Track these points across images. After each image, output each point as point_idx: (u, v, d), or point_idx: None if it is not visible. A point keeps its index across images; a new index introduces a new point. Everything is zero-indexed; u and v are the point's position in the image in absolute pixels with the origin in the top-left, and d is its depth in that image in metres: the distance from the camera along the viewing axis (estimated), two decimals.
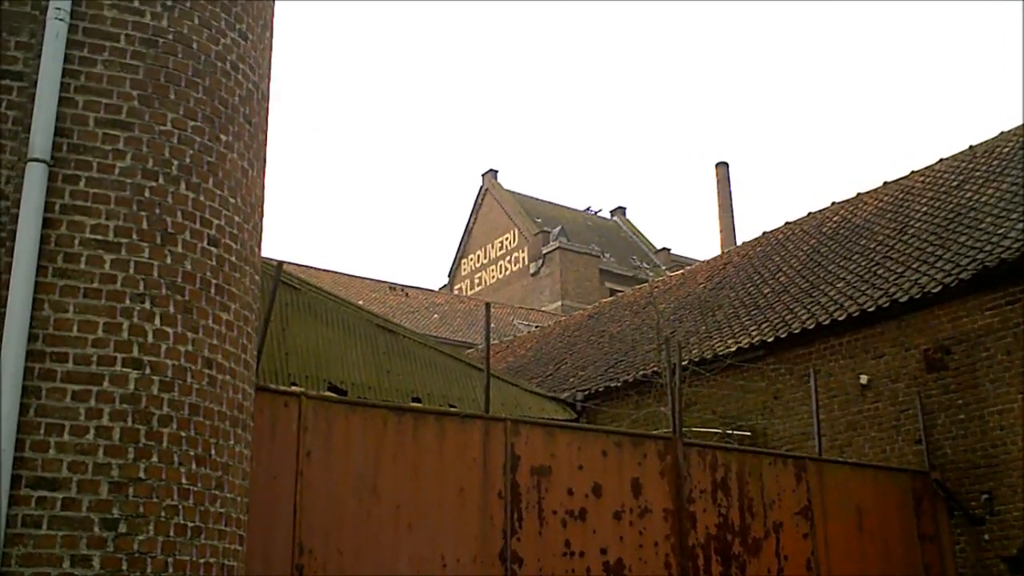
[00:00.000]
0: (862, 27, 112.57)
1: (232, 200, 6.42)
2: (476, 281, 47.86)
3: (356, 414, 7.70)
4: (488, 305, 8.82)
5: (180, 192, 6.06)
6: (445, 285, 49.53)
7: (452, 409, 9.46)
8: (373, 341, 12.46)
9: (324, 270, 34.09)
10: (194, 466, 5.68)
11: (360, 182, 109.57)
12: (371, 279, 35.95)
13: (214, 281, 6.11)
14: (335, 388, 11.29)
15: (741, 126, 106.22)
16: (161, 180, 6.00)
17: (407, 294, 35.44)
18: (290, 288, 12.22)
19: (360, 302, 25.98)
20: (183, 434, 5.65)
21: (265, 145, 7.13)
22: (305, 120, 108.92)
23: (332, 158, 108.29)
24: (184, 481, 5.61)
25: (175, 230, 5.98)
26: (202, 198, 6.17)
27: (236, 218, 6.44)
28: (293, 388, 8.18)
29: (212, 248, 6.14)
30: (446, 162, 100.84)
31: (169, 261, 5.88)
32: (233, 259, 6.32)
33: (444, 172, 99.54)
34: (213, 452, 5.81)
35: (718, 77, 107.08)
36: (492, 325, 36.03)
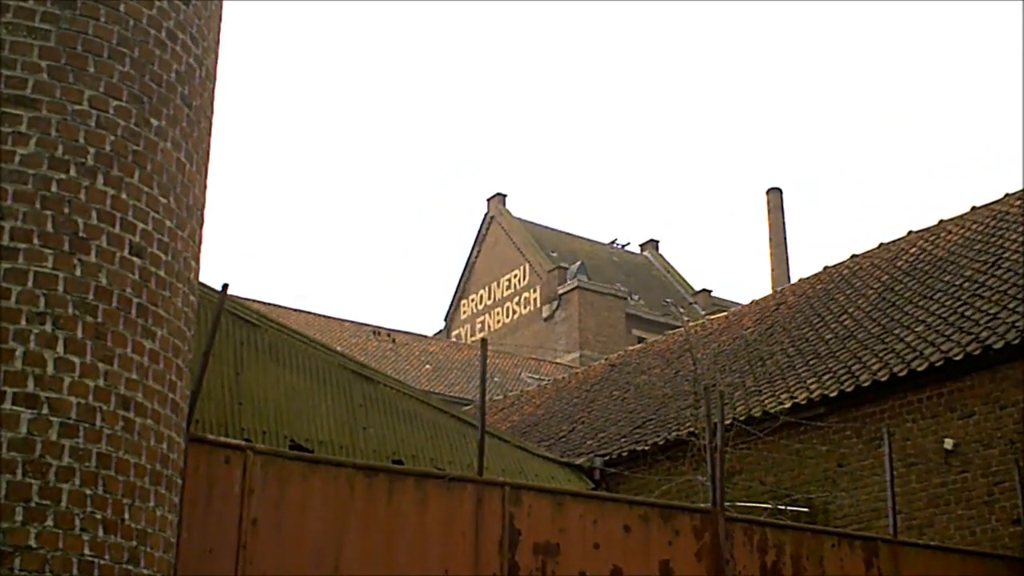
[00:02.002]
0: (937, 36, 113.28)
1: (163, 200, 6.25)
2: (478, 326, 47.76)
3: (316, 474, 7.53)
4: (484, 342, 8.57)
5: (96, 187, 5.89)
6: (441, 331, 49.47)
7: (437, 471, 9.26)
8: (347, 391, 12.38)
9: (294, 309, 34.10)
10: (101, 533, 5.46)
11: (340, 208, 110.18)
12: (351, 321, 35.93)
13: (136, 300, 5.93)
14: (298, 447, 11.04)
15: (795, 146, 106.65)
16: (73, 172, 5.84)
17: (394, 340, 35.42)
18: (246, 323, 12.18)
19: (338, 348, 25.75)
20: (88, 492, 5.45)
21: (208, 135, 7.00)
22: (274, 135, 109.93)
23: (307, 179, 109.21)
24: (87, 552, 5.40)
25: (88, 234, 5.79)
26: (124, 196, 6.00)
27: (168, 222, 6.26)
28: (235, 441, 7.86)
29: (135, 259, 5.98)
30: (444, 184, 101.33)
31: (79, 273, 5.70)
32: (162, 273, 6.14)
33: (442, 196, 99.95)
34: (127, 516, 5.61)
35: (767, 91, 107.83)
36: (496, 379, 36.52)
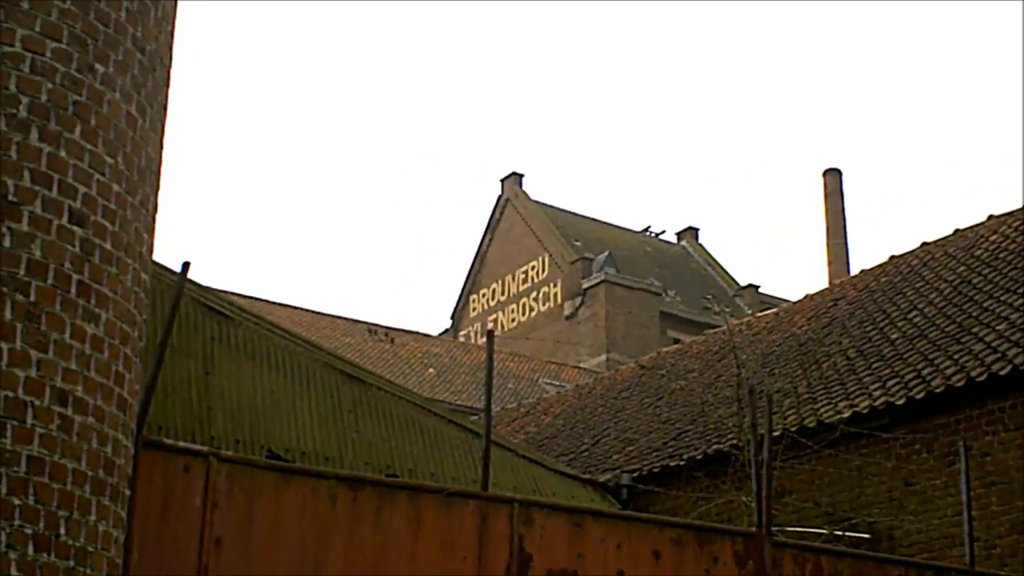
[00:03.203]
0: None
1: (110, 160, 6.19)
2: (489, 325, 47.79)
3: (292, 486, 7.48)
4: (491, 334, 8.47)
5: (30, 144, 5.82)
6: (447, 330, 49.54)
7: (434, 484, 9.28)
8: (335, 394, 12.38)
9: (279, 304, 34.21)
10: (31, 551, 5.40)
11: (334, 194, 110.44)
12: (344, 318, 35.96)
13: (76, 276, 5.87)
14: (277, 457, 10.97)
15: (856, 121, 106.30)
16: (3, 125, 5.78)
17: (392, 340, 35.48)
18: (218, 315, 12.17)
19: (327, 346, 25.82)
20: (17, 502, 5.40)
21: (166, 86, 7.00)
22: (268, 115, 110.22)
23: (300, 163, 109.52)
24: (14, 573, 5.34)
25: (20, 198, 5.74)
26: (63, 154, 5.94)
27: (115, 187, 6.20)
28: (197, 446, 7.81)
29: (75, 228, 5.92)
30: (452, 164, 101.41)
31: (8, 244, 5.65)
32: (107, 246, 6.09)
33: (449, 177, 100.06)
34: (63, 531, 5.55)
35: (823, 57, 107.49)
36: (510, 385, 36.50)
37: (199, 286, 12.21)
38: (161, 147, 6.82)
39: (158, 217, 6.84)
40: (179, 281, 7.49)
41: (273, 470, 7.50)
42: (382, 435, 12.34)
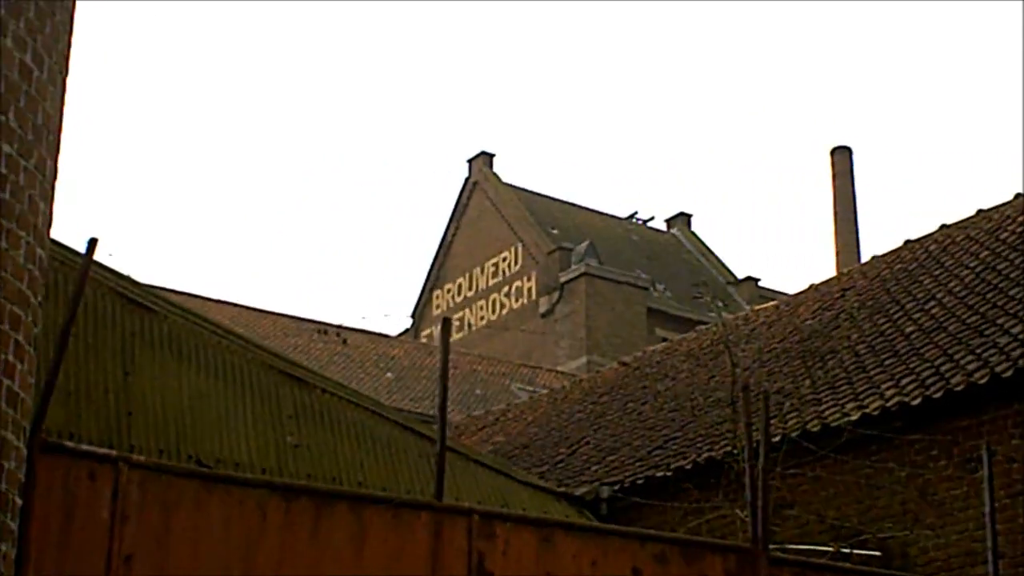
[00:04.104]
0: None
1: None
2: (456, 323, 47.50)
3: (215, 496, 7.52)
4: (447, 321, 8.41)
5: None
6: (407, 330, 49.46)
7: (381, 493, 9.31)
8: (274, 398, 12.38)
9: (215, 300, 34.10)
10: None
11: (277, 177, 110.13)
12: (290, 316, 35.80)
13: None
14: (204, 467, 10.90)
15: (866, 95, 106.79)
16: None
17: (345, 341, 35.39)
18: (139, 307, 12.04)
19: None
20: None
21: (67, 34, 6.93)
22: (193, 86, 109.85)
23: (235, 141, 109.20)
24: None
25: None
26: None
27: (6, 147, 6.11)
28: (104, 450, 7.78)
29: None
30: (412, 141, 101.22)
31: None
32: None
33: (409, 156, 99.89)
34: None
35: (829, 22, 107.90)
36: (477, 391, 36.41)
37: (118, 275, 12.14)
38: (62, 104, 6.74)
39: (58, 185, 6.73)
40: (84, 260, 7.38)
41: (193, 477, 7.50)
42: (328, 443, 12.32)
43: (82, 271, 7.33)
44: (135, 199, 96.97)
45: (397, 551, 7.90)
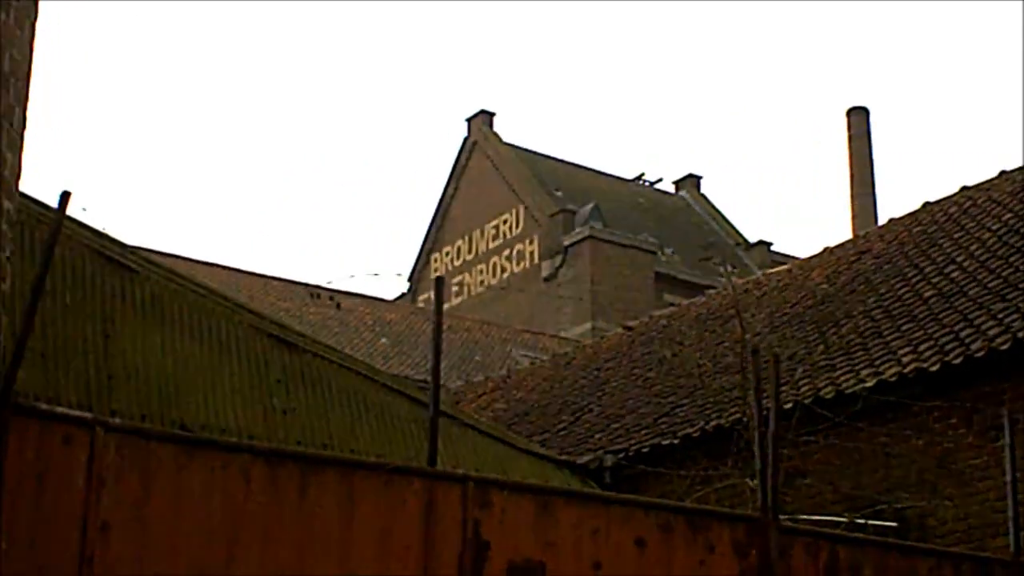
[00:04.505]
0: None
1: None
2: (454, 288, 47.72)
3: (196, 462, 7.39)
4: (440, 280, 8.36)
5: None
6: (404, 294, 49.39)
7: (370, 459, 9.32)
8: (262, 361, 12.40)
9: (203, 262, 34.08)
10: None
11: (269, 136, 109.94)
12: (281, 279, 35.76)
13: None
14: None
15: (884, 52, 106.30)
16: None
17: (339, 305, 35.31)
18: (119, 267, 12.00)
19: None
20: None
21: None
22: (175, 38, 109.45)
23: (228, 102, 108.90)
24: None
25: None
26: None
27: None
28: (78, 412, 7.76)
29: None
30: (409, 99, 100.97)
31: None
32: None
33: (406, 115, 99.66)
34: None
35: None
36: (477, 357, 36.38)
37: (98, 233, 12.14)
38: (31, 50, 6.64)
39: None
40: (57, 214, 7.29)
41: (173, 442, 7.40)
42: (318, 409, 12.36)
43: (54, 225, 7.24)
44: (122, 156, 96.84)
45: (388, 519, 7.84)
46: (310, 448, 11.65)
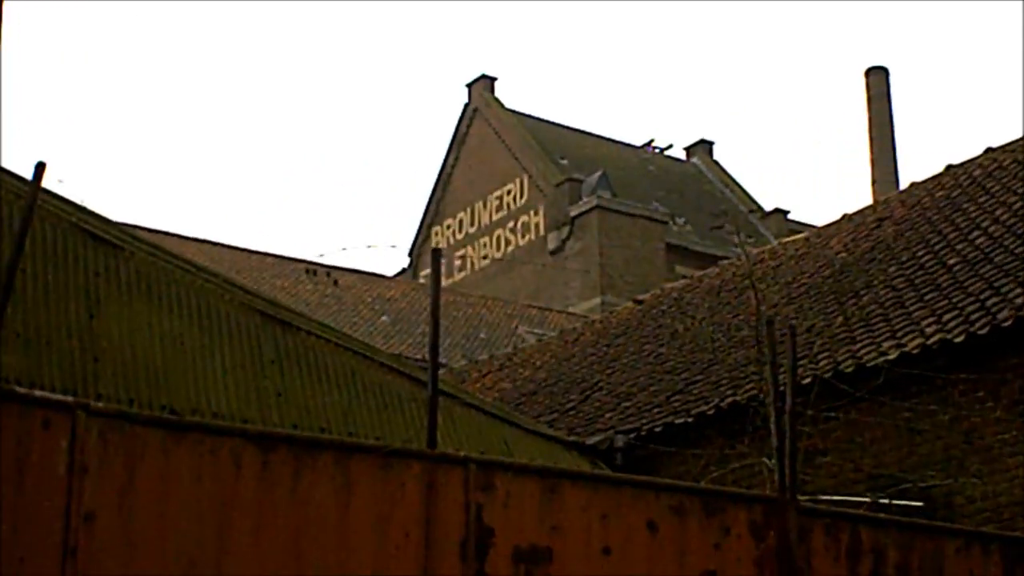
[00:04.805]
0: None
1: None
2: (456, 263, 47.78)
3: (184, 447, 7.34)
4: (437, 252, 8.29)
5: None
6: (404, 270, 49.45)
7: (368, 442, 9.43)
8: (255, 341, 12.44)
9: (194, 239, 34.21)
10: None
11: (263, 107, 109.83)
12: (276, 256, 35.82)
13: None
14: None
15: (902, 8, 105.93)
16: None
17: (336, 282, 35.34)
18: (104, 244, 11.99)
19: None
20: None
21: None
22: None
23: (218, 71, 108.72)
24: None
25: None
26: None
27: None
28: (59, 396, 7.74)
29: None
30: (407, 65, 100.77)
31: None
32: None
33: (404, 81, 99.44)
34: None
35: None
36: (482, 335, 36.37)
37: (81, 209, 12.14)
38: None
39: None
40: (32, 186, 7.26)
41: (159, 426, 7.33)
42: (315, 391, 12.40)
43: (30, 199, 7.22)
44: (112, 131, 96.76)
45: (386, 505, 7.81)
46: (306, 431, 11.71)
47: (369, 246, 51.52)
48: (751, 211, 50.72)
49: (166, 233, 33.18)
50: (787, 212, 50.69)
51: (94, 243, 11.83)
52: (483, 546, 8.03)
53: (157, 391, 11.38)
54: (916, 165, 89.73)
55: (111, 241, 11.96)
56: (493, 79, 50.61)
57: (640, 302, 23.17)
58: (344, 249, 38.87)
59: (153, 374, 11.46)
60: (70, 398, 7.37)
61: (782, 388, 10.15)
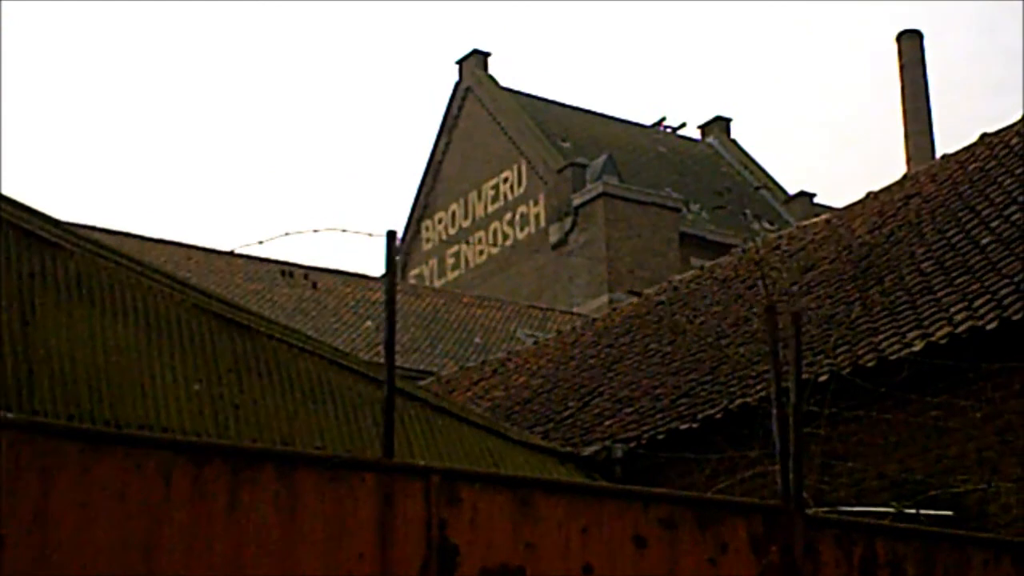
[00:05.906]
0: None
1: None
2: (449, 261, 47.75)
3: (106, 461, 7.26)
4: (391, 234, 8.24)
5: None
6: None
7: (315, 452, 9.28)
8: (209, 348, 12.55)
9: (151, 239, 34.40)
10: None
11: (236, 94, 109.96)
12: (247, 257, 35.90)
13: None
14: None
15: None
16: None
17: (315, 284, 35.37)
18: (40, 242, 12.04)
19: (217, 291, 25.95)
20: None
21: None
22: None
23: (185, 57, 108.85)
24: None
25: None
26: None
27: None
28: None
29: None
30: (392, 41, 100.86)
31: None
32: None
33: (388, 59, 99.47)
34: None
35: None
36: (477, 339, 36.37)
37: (15, 204, 12.22)
38: None
39: None
40: None
41: (78, 438, 7.25)
42: (278, 403, 12.47)
43: None
44: (73, 130, 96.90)
45: (336, 522, 7.76)
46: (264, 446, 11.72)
47: (343, 230, 51.37)
48: (765, 188, 50.68)
49: (127, 235, 33.22)
50: (813, 195, 50.86)
51: (29, 241, 11.88)
52: (447, 567, 7.97)
53: (100, 405, 11.41)
54: (955, 139, 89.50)
55: (48, 239, 12.00)
56: (486, 55, 50.72)
57: (639, 294, 23.47)
58: (287, 234, 38.52)
59: (96, 386, 11.50)
60: None
61: (786, 384, 10.12)
